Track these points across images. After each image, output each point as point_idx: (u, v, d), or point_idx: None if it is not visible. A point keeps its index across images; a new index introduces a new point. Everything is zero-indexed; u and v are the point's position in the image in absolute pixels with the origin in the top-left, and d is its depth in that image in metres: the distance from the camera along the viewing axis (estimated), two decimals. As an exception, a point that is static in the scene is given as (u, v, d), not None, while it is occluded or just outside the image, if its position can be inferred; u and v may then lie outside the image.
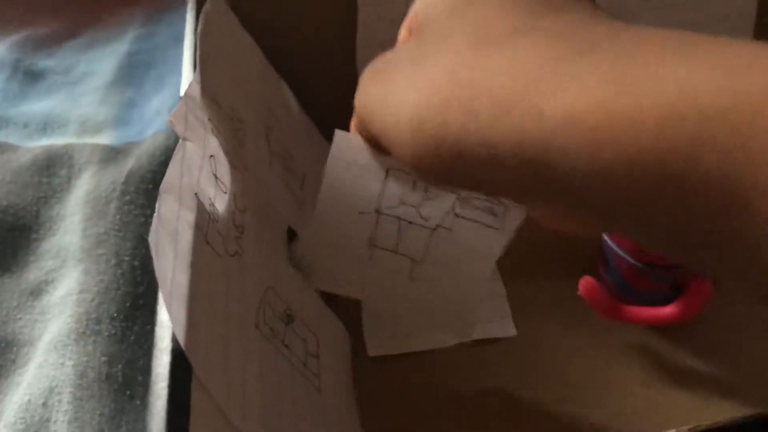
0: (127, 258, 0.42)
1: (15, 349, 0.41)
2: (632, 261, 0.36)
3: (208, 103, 0.34)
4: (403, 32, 0.28)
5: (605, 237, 0.37)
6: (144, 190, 0.45)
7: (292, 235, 0.39)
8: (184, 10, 0.40)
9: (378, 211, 0.33)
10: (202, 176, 0.30)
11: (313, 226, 0.35)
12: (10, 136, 0.51)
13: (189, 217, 0.28)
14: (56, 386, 0.37)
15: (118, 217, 0.43)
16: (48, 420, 0.36)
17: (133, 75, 0.56)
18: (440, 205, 0.33)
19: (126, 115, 0.52)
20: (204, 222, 0.29)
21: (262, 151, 0.40)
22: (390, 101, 0.24)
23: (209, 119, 0.33)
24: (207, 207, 0.30)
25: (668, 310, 0.35)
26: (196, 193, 0.29)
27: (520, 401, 0.37)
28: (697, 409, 0.35)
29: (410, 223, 0.34)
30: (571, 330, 0.40)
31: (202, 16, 0.36)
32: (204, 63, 0.34)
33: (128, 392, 0.37)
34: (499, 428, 0.36)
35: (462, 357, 0.39)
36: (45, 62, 0.58)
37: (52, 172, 0.48)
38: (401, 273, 0.36)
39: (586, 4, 0.22)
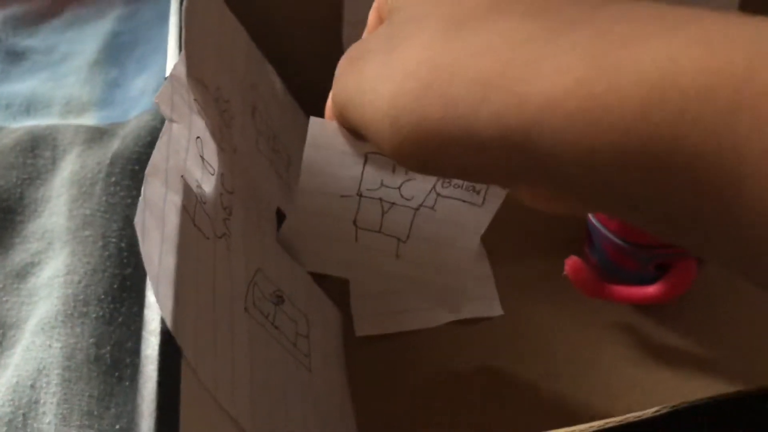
0: (113, 239, 0.41)
1: (1, 331, 0.40)
2: (617, 241, 0.36)
3: (194, 84, 0.33)
4: (371, 17, 0.27)
5: (591, 217, 0.37)
6: (130, 171, 0.44)
7: (281, 217, 0.39)
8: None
9: (360, 194, 0.33)
10: (189, 158, 0.30)
11: (296, 210, 0.35)
12: (-8, 117, 0.51)
13: (176, 199, 0.27)
14: (44, 368, 0.37)
15: (104, 198, 0.43)
16: (36, 402, 0.36)
17: (117, 55, 0.55)
18: (421, 186, 0.33)
19: (110, 96, 0.52)
20: (191, 204, 0.29)
21: (248, 132, 0.39)
22: (366, 90, 0.23)
23: (195, 100, 0.33)
24: (194, 189, 0.29)
25: (653, 290, 0.35)
26: (182, 176, 0.29)
27: (507, 380, 0.37)
28: (681, 387, 0.36)
29: (393, 204, 0.34)
30: (557, 309, 0.40)
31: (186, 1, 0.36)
32: (189, 43, 0.34)
33: (117, 373, 0.37)
34: (486, 406, 0.36)
35: (449, 336, 0.39)
36: (26, 42, 0.57)
37: (36, 153, 0.47)
38: (387, 252, 0.36)
39: None
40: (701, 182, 0.16)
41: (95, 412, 0.36)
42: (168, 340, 0.24)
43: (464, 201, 0.33)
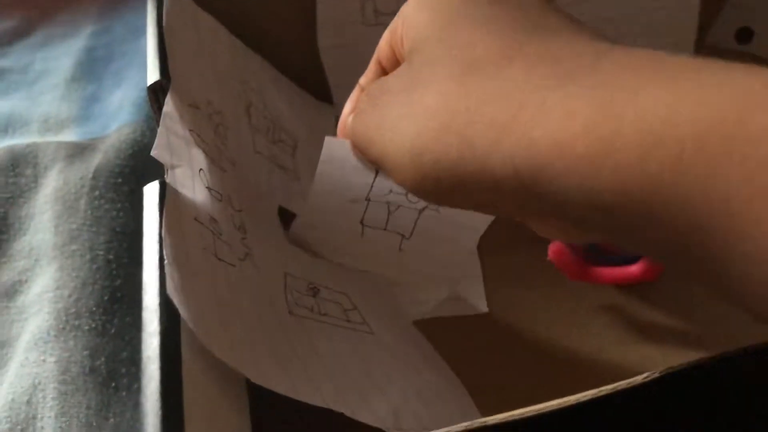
0: (101, 252, 0.42)
1: (-6, 349, 0.40)
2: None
3: (186, 110, 0.34)
4: (383, 48, 0.29)
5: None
6: (113, 184, 0.45)
7: (282, 213, 0.40)
8: (139, 3, 0.40)
9: (368, 200, 0.35)
10: (197, 196, 0.31)
11: (307, 213, 0.37)
12: (-30, 139, 0.51)
13: (197, 247, 0.28)
14: (39, 383, 0.37)
15: (89, 212, 0.43)
16: (34, 417, 0.37)
17: (93, 70, 0.56)
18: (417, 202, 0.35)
19: (88, 111, 0.52)
20: (210, 243, 0.29)
21: (244, 136, 0.40)
22: (387, 128, 0.25)
23: (191, 130, 0.33)
24: (209, 226, 0.30)
25: (635, 268, 0.36)
26: (195, 218, 0.29)
27: (496, 364, 0.38)
28: (669, 363, 0.36)
29: (399, 206, 0.35)
30: (543, 294, 0.41)
31: (164, 11, 0.36)
32: (176, 68, 0.34)
33: (113, 384, 0.38)
34: (476, 389, 0.37)
35: (438, 323, 0.40)
36: (0, 62, 0.57)
37: (17, 172, 0.47)
38: (391, 246, 0.38)
39: (570, 24, 0.23)
40: (693, 225, 0.17)
41: (94, 423, 0.36)
42: (167, 340, 0.24)
43: None
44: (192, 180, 0.32)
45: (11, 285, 0.43)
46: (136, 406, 0.37)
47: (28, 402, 0.37)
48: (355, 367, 0.32)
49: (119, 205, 0.44)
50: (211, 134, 0.36)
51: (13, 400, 0.37)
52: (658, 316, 0.39)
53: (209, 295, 0.26)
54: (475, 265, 0.43)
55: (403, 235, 0.37)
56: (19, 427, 0.36)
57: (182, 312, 0.23)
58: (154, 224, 0.27)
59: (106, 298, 0.40)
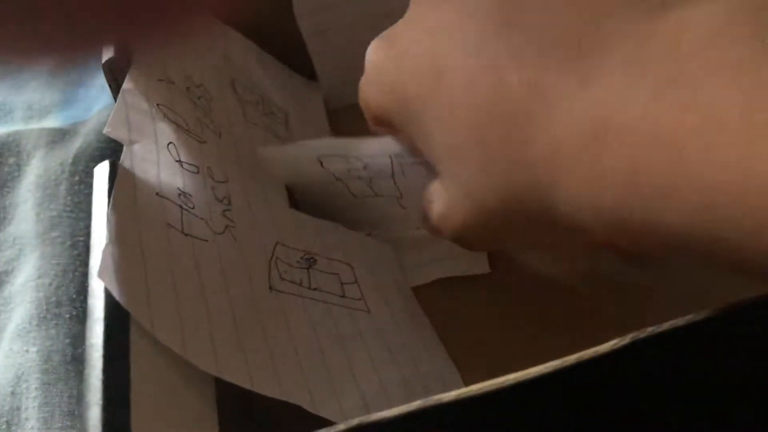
0: (81, 238, 0.41)
1: (-18, 342, 0.40)
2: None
3: (156, 85, 0.33)
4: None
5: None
6: (93, 168, 0.44)
7: None
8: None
9: (339, 179, 0.34)
10: (162, 170, 0.30)
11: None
12: (-46, 131, 0.50)
13: (156, 224, 0.27)
14: (23, 374, 0.37)
15: (69, 198, 0.43)
16: (18, 408, 0.36)
17: (76, 54, 0.55)
18: (380, 160, 0.33)
19: (71, 96, 0.51)
20: (176, 217, 0.28)
21: (231, 106, 0.39)
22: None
23: (159, 104, 0.32)
24: (176, 200, 0.29)
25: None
26: (157, 193, 0.28)
27: (496, 333, 0.37)
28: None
29: (371, 177, 0.34)
30: (542, 263, 0.39)
31: None
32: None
33: (95, 372, 0.37)
34: (474, 362, 0.36)
35: (437, 292, 0.39)
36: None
37: (1, 161, 0.47)
38: (393, 206, 0.37)
39: None
40: None
41: (76, 412, 0.36)
42: (112, 326, 0.23)
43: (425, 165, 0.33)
44: (156, 154, 0.31)
45: (-2, 276, 0.42)
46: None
47: (12, 393, 0.36)
48: (334, 351, 0.31)
49: (101, 190, 0.43)
50: (190, 106, 0.35)
51: (-2, 392, 0.37)
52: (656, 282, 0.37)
53: (162, 274, 0.25)
54: None
55: (395, 196, 0.36)
56: (4, 418, 0.36)
57: (115, 293, 0.22)
58: (102, 206, 0.26)
59: (86, 284, 0.39)
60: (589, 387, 0.20)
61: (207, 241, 0.30)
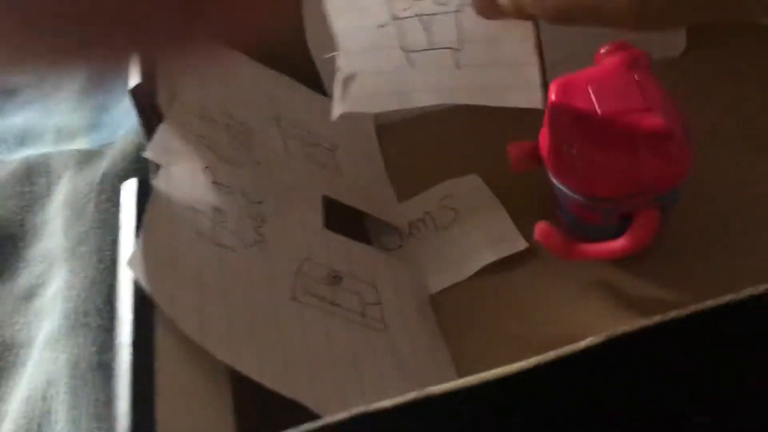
0: (108, 252, 0.43)
1: (15, 350, 0.43)
2: (578, 197, 0.37)
3: (197, 123, 0.37)
4: None
5: (553, 180, 0.38)
6: (120, 187, 0.47)
7: (331, 204, 0.41)
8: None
9: (395, 18, 0.33)
10: (197, 189, 0.33)
11: (340, 53, 0.35)
12: (-11, 153, 0.53)
13: (186, 230, 0.29)
14: (53, 380, 0.39)
15: (96, 215, 0.45)
16: (48, 412, 0.39)
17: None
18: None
19: (98, 119, 0.54)
20: (206, 227, 0.31)
21: (273, 140, 0.42)
22: None
23: (201, 136, 0.36)
24: (208, 213, 0.32)
25: (620, 242, 0.36)
26: (192, 207, 0.31)
27: (486, 342, 0.38)
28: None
29: (432, 14, 0.33)
30: (532, 273, 0.41)
31: None
32: (180, 84, 0.37)
33: (120, 377, 0.39)
34: (461, 372, 0.37)
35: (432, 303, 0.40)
36: (17, 78, 0.60)
37: (32, 181, 0.50)
38: (446, 65, 0.34)
39: None
40: None
41: (103, 415, 0.38)
42: (140, 352, 0.25)
43: None
44: (193, 175, 0.33)
45: (29, 288, 0.45)
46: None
47: (43, 398, 0.39)
48: (346, 363, 0.32)
49: (127, 207, 0.46)
50: (228, 139, 0.38)
51: (29, 397, 0.39)
52: (650, 290, 0.39)
53: (187, 272, 0.28)
54: (531, 53, 0.34)
55: (453, 48, 0.33)
56: (35, 422, 0.38)
57: (141, 279, 0.25)
58: (129, 220, 0.28)
59: (112, 295, 0.42)
60: (566, 382, 0.22)
61: (236, 251, 0.32)
